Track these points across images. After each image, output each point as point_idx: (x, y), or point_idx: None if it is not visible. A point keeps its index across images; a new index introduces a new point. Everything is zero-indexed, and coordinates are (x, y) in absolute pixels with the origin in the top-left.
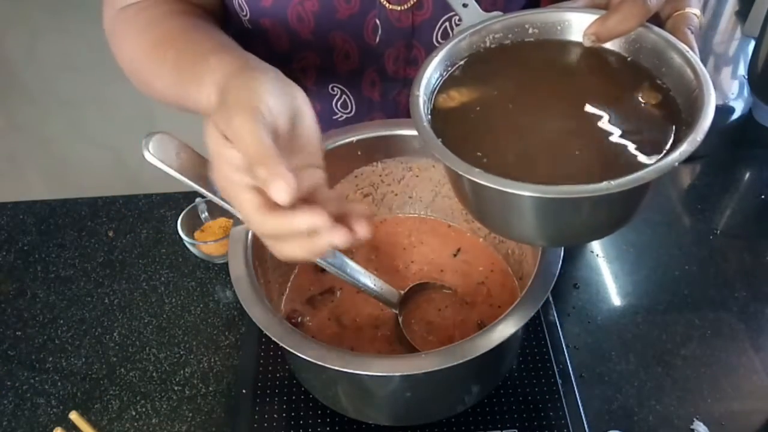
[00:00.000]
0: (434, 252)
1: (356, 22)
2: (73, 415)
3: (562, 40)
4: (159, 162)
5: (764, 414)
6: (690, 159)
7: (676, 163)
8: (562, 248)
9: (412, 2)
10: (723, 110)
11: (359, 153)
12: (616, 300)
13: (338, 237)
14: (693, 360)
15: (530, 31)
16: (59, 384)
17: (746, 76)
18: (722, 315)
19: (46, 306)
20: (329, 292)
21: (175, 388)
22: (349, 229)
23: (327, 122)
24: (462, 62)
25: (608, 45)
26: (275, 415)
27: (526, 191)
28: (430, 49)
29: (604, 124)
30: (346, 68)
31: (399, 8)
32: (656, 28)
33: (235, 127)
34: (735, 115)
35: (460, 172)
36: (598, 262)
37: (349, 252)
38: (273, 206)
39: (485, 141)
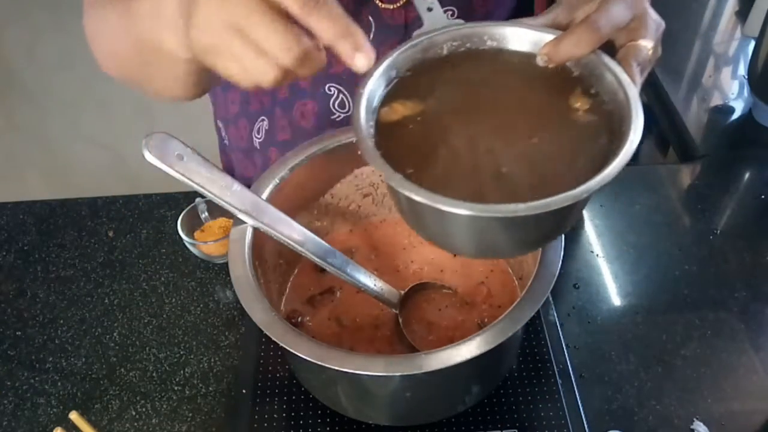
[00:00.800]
0: (434, 252)
1: None
2: (73, 415)
3: (517, 54)
4: (159, 162)
5: (764, 414)
6: (690, 159)
7: (586, 195)
8: (562, 248)
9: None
10: (723, 110)
11: (359, 153)
12: (616, 300)
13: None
14: (693, 360)
15: (488, 42)
16: (59, 384)
17: (746, 76)
18: (722, 315)
19: (46, 306)
20: (329, 292)
21: (175, 388)
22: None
23: (325, 122)
24: (411, 72)
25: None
26: (275, 415)
27: (435, 203)
28: None
29: (539, 141)
30: (342, 67)
31: (392, 6)
32: (605, 56)
33: None
34: (735, 115)
35: (390, 182)
36: (598, 262)
37: (349, 252)
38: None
39: (419, 155)
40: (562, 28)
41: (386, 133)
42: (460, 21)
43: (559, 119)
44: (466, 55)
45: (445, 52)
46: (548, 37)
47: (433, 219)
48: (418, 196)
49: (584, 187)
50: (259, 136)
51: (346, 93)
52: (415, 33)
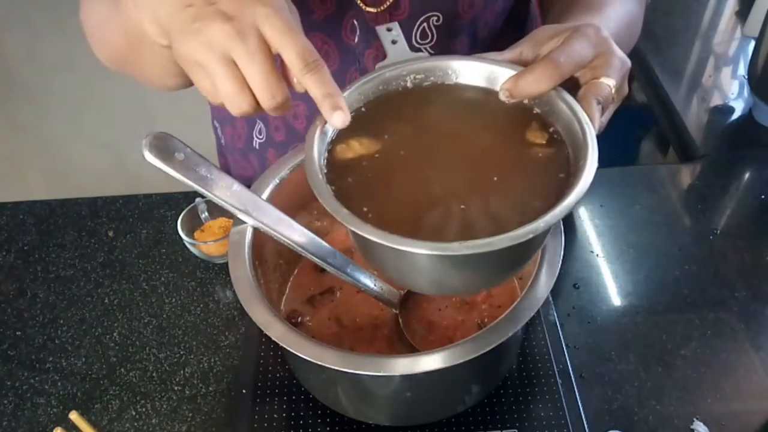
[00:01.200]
0: None
1: (334, 23)
2: (73, 415)
3: (479, 87)
4: (159, 162)
5: (764, 414)
6: (690, 159)
7: (531, 235)
8: (562, 248)
9: (388, 3)
10: (723, 110)
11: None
12: (616, 300)
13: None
14: (693, 360)
15: (452, 76)
16: (59, 384)
17: (746, 76)
18: (722, 315)
19: (46, 306)
20: (329, 292)
21: (175, 388)
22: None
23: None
24: (371, 105)
25: (524, 101)
26: (275, 415)
27: (381, 240)
28: (411, 50)
29: (497, 177)
30: (332, 68)
31: (375, 10)
32: (564, 93)
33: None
34: (735, 115)
35: (337, 217)
36: (598, 262)
37: (349, 252)
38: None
39: (374, 193)
40: (527, 63)
41: (340, 170)
42: (425, 54)
43: (517, 154)
44: (428, 89)
45: (408, 84)
46: (511, 72)
47: (383, 255)
48: (364, 232)
49: (529, 228)
50: (260, 137)
51: None
52: (378, 65)
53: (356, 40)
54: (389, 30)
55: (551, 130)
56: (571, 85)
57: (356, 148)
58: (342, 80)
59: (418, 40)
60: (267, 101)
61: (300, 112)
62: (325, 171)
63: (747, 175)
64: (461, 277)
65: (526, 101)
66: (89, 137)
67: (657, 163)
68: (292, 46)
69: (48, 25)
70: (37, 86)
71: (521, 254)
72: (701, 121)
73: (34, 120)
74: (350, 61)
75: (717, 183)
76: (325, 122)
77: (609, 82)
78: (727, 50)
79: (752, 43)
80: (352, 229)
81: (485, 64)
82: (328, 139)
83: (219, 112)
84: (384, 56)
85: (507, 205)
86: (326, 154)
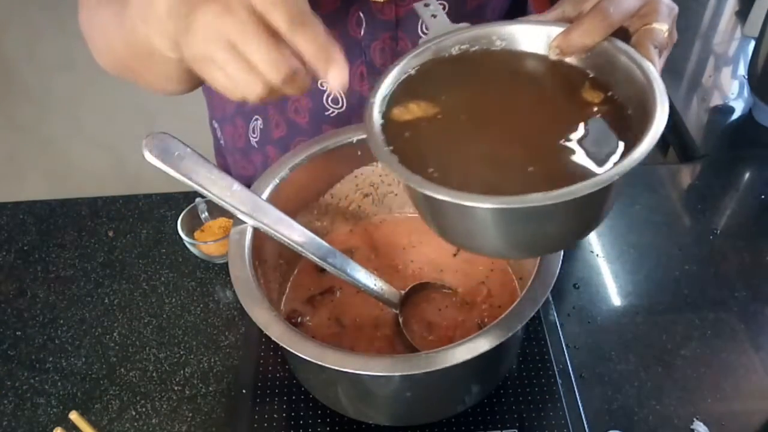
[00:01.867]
0: (434, 252)
1: (340, 15)
2: (73, 415)
3: (527, 52)
4: (159, 162)
5: (764, 414)
6: (690, 159)
7: (616, 177)
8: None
9: None
10: (723, 110)
11: (359, 153)
12: (616, 300)
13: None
14: (693, 360)
15: (497, 42)
16: (59, 384)
17: (746, 76)
18: (722, 315)
19: (46, 306)
20: (329, 292)
21: (175, 388)
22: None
23: (319, 119)
24: (422, 71)
25: (574, 59)
26: (275, 415)
27: (461, 200)
28: (416, 41)
29: (557, 136)
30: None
31: (381, 0)
32: (619, 43)
33: None
34: (735, 115)
35: (411, 185)
36: (598, 262)
37: (349, 252)
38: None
39: (437, 154)
40: (572, 21)
41: (400, 134)
42: (466, 24)
43: (575, 114)
44: (476, 56)
45: (455, 53)
46: (558, 30)
47: (458, 218)
48: (442, 195)
49: (613, 171)
50: (254, 136)
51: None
52: (421, 41)
53: (362, 32)
54: (426, 5)
55: (609, 93)
56: (621, 37)
57: (415, 110)
58: (348, 74)
59: (425, 30)
60: (272, 75)
61: (302, 106)
62: (383, 137)
63: (747, 175)
64: (537, 234)
65: (577, 61)
66: (89, 137)
67: (657, 163)
68: (279, 7)
69: (48, 25)
70: (37, 86)
71: (598, 205)
72: (701, 121)
73: (34, 120)
74: (356, 54)
75: (717, 183)
76: (381, 94)
77: (662, 27)
78: (727, 50)
79: (752, 43)
80: (428, 193)
81: (530, 26)
82: (383, 106)
83: (217, 113)
84: (390, 49)
85: (572, 162)
86: (382, 121)
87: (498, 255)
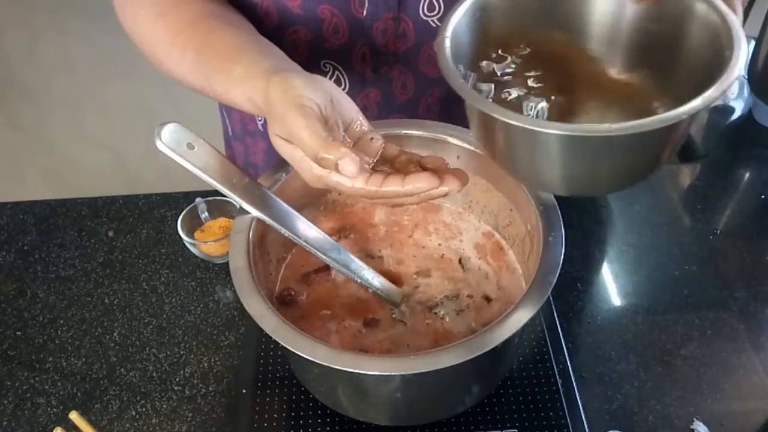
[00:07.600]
0: (436, 251)
1: None
2: (73, 415)
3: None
4: (170, 151)
5: (764, 414)
6: (690, 159)
7: (685, 116)
8: (562, 248)
9: None
10: (723, 110)
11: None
12: (616, 300)
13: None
14: (693, 360)
15: None
16: (59, 384)
17: (746, 76)
18: (722, 315)
19: (46, 306)
20: (324, 270)
21: (175, 388)
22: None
23: None
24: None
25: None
26: (275, 415)
27: (544, 128)
28: (418, 22)
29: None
30: (337, 43)
31: None
32: None
33: (291, 130)
34: (735, 115)
35: (485, 110)
36: (598, 262)
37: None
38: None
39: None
40: None
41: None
42: None
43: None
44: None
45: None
46: None
47: (528, 148)
48: (516, 121)
49: (683, 109)
50: (260, 119)
51: (340, 69)
52: None
53: (365, 12)
54: None
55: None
56: None
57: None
58: (350, 55)
59: (426, 12)
60: (314, 183)
61: None
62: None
63: (747, 175)
64: (602, 167)
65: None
66: (89, 137)
67: None
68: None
69: (48, 25)
70: (37, 86)
71: (669, 141)
72: (701, 121)
73: (34, 120)
74: (359, 35)
75: (717, 183)
76: (452, 28)
77: None
78: None
79: (752, 43)
80: (502, 118)
81: None
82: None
83: None
84: (392, 30)
85: (650, 108)
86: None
87: (557, 189)
